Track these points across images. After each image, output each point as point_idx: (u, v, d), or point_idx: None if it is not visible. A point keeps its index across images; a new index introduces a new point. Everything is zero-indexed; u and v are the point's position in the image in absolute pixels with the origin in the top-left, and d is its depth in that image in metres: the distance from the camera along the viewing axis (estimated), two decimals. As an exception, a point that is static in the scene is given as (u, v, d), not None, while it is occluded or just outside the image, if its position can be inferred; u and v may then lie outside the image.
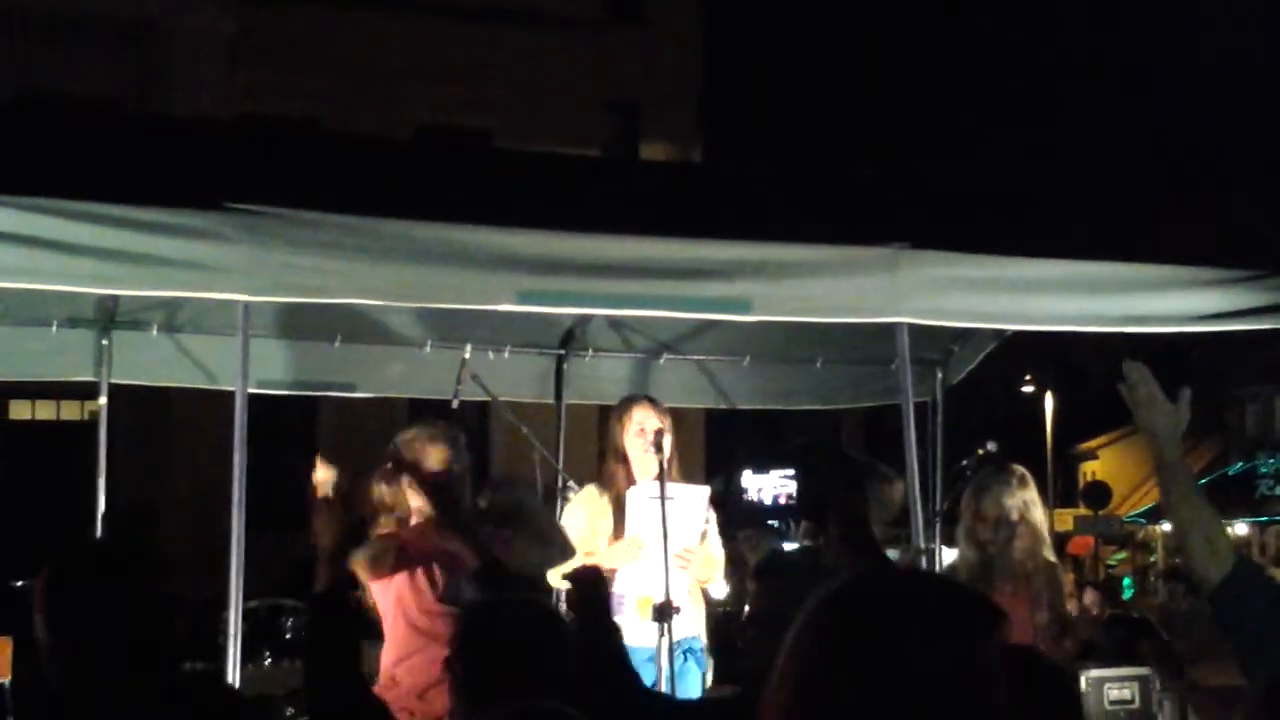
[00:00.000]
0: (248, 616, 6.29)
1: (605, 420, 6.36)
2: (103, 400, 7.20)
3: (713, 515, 6.02)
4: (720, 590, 6.15)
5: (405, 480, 5.22)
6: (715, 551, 6.02)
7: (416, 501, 5.23)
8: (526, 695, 2.96)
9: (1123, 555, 36.89)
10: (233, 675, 5.08)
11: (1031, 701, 2.32)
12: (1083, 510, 31.87)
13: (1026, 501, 5.73)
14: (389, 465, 5.22)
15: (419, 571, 5.10)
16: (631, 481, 5.86)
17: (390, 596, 5.12)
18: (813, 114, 41.48)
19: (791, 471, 2.40)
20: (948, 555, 6.88)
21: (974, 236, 5.82)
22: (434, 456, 5.23)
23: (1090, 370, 37.21)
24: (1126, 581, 30.99)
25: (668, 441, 5.71)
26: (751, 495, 2.46)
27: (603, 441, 6.24)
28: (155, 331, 7.08)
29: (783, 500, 2.53)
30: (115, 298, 6.52)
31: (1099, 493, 30.58)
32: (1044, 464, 32.46)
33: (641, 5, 23.14)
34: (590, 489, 6.04)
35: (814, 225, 5.77)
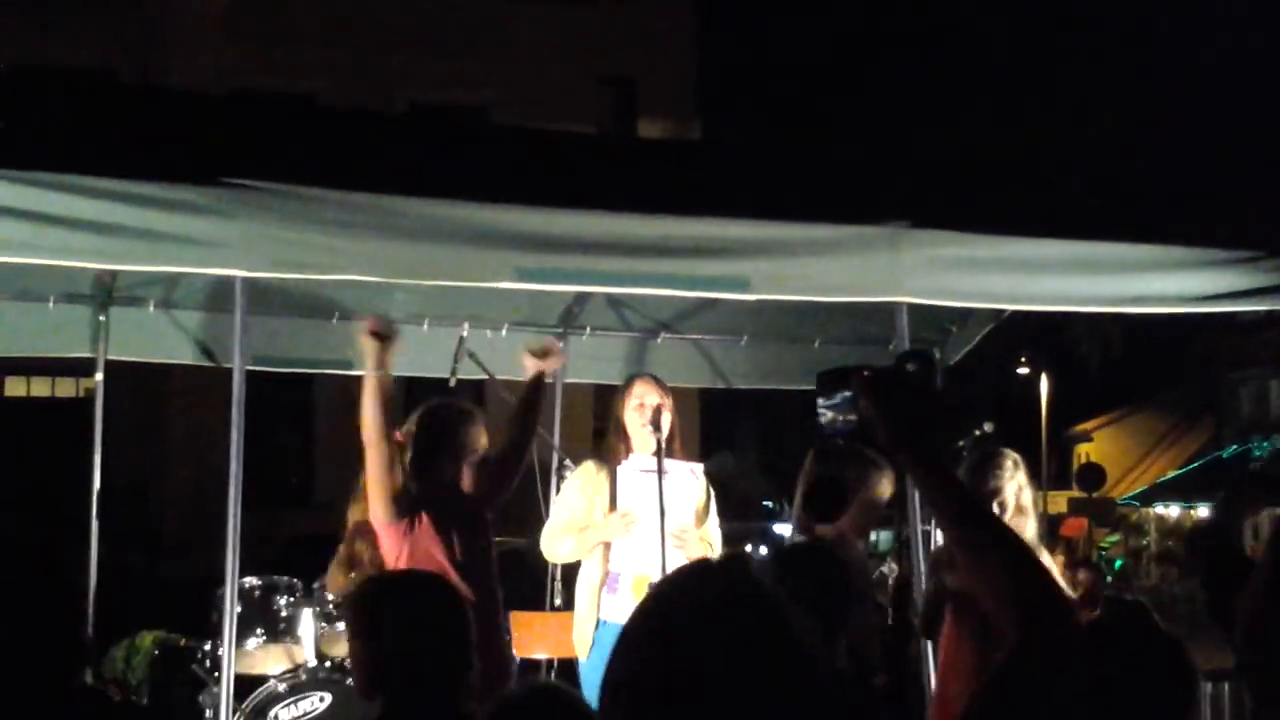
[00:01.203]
0: (242, 594, 6.29)
1: (604, 401, 6.33)
2: (99, 377, 7.19)
3: (711, 495, 5.97)
4: None
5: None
6: (713, 533, 5.94)
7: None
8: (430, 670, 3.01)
9: (1116, 538, 36.94)
10: (227, 653, 5.08)
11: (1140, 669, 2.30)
12: (1077, 492, 31.88)
13: (1020, 484, 5.73)
14: (406, 435, 5.23)
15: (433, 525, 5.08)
16: (629, 456, 5.76)
17: (404, 550, 5.08)
18: (812, 90, 41.39)
19: (850, 394, 2.27)
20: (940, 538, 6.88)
21: (974, 216, 5.81)
22: (477, 434, 5.26)
23: (1086, 352, 37.22)
24: (1118, 564, 31.01)
25: (666, 419, 5.66)
26: (825, 420, 2.30)
27: (600, 422, 6.20)
28: (152, 308, 7.07)
29: (840, 423, 2.39)
30: (113, 273, 6.50)
31: (1093, 475, 30.57)
32: (1039, 446, 32.47)
33: (639, -19, 23.06)
34: (588, 464, 5.94)
35: (814, 204, 5.75)
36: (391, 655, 3.26)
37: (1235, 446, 36.50)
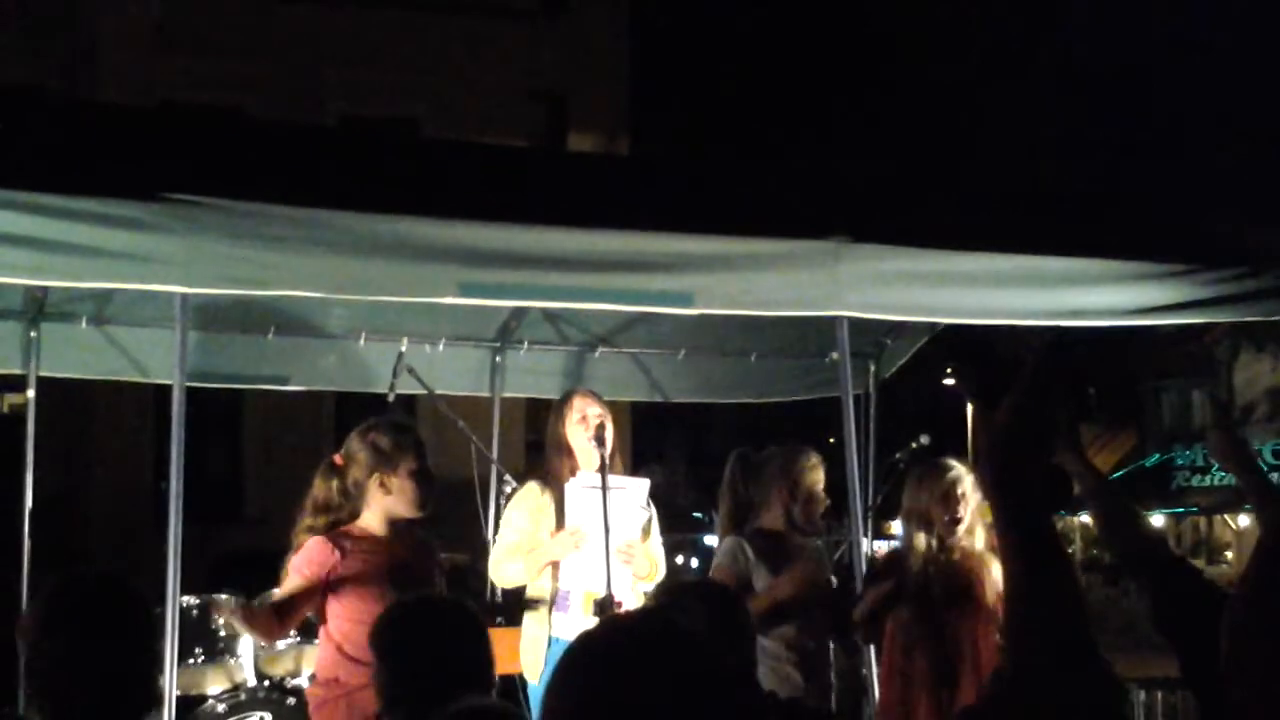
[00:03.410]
0: (180, 613, 6.19)
1: (537, 414, 6.25)
2: (30, 393, 7.08)
3: (654, 511, 5.89)
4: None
5: (376, 479, 4.90)
6: (655, 550, 5.87)
7: (385, 501, 4.94)
8: (449, 690, 2.97)
9: (1042, 546, 37.29)
10: (169, 673, 5.00)
11: None
12: (1004, 502, 32.23)
13: (973, 487, 5.81)
14: (346, 457, 4.97)
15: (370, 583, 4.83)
16: (575, 472, 5.67)
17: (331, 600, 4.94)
18: (741, 105, 41.58)
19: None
20: (878, 546, 6.93)
21: (913, 229, 5.86)
22: (413, 454, 4.96)
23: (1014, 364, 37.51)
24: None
25: (609, 433, 5.60)
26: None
27: (534, 435, 6.12)
28: (85, 323, 6.97)
29: None
30: (44, 289, 6.41)
31: (1020, 485, 30.85)
32: (966, 458, 32.69)
33: (569, -6, 23.06)
34: (531, 485, 5.81)
35: (755, 218, 5.78)
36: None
37: (1158, 455, 36.99)
